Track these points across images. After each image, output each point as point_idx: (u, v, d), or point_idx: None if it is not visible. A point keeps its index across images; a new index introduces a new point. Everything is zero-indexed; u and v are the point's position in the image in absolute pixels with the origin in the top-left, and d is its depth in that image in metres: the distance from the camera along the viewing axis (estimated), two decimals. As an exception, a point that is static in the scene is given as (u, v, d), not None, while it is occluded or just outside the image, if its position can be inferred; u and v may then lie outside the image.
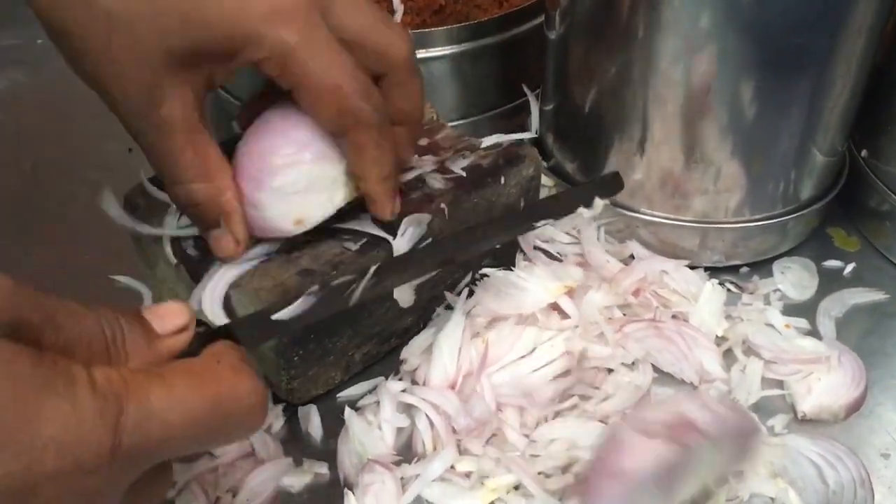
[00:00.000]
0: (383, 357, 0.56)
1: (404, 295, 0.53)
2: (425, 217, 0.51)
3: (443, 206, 0.52)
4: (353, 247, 0.50)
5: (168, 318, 0.34)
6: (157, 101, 0.43)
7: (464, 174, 0.55)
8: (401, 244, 0.50)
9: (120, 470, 0.30)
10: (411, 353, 0.55)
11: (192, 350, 0.35)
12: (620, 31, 0.55)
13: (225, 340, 0.36)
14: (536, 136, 0.70)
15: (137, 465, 0.31)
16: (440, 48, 0.69)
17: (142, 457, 0.30)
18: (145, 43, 0.42)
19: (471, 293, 0.56)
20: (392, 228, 0.50)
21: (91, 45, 0.42)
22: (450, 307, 0.56)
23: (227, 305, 0.47)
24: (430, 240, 0.52)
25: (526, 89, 0.71)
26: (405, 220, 0.51)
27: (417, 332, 0.56)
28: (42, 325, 0.30)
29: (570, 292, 0.56)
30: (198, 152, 0.45)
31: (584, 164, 0.63)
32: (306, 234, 0.49)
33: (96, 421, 0.28)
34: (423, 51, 0.68)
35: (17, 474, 0.27)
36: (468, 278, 0.58)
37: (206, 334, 0.36)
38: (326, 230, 0.50)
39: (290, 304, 0.42)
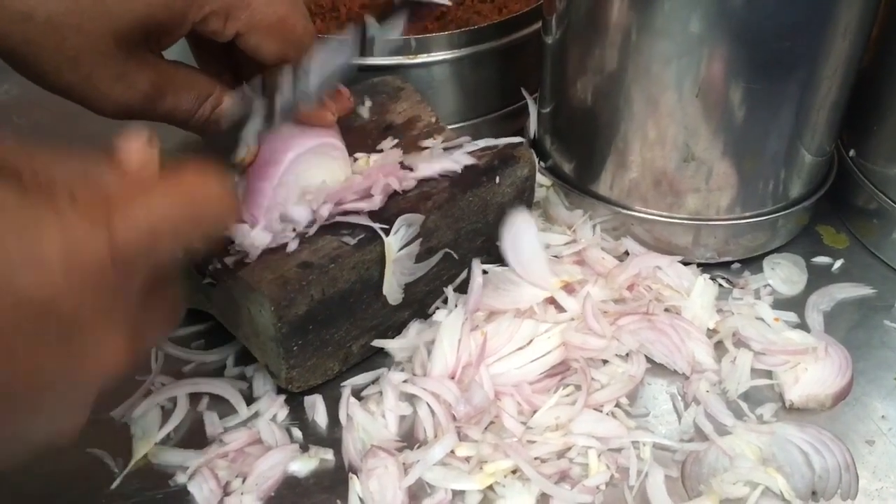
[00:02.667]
0: (380, 350, 0.58)
1: (393, 293, 0.55)
2: (418, 218, 0.54)
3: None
4: (351, 241, 0.52)
5: (134, 152, 0.36)
6: (127, 81, 0.46)
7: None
8: (393, 241, 0.53)
9: (123, 273, 0.32)
10: (400, 345, 0.57)
11: None
12: (613, 35, 0.57)
13: None
14: (534, 138, 0.72)
15: (137, 266, 0.33)
16: (441, 53, 0.71)
17: (139, 257, 0.33)
18: (95, 35, 0.44)
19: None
20: (388, 225, 0.53)
21: (45, 55, 0.44)
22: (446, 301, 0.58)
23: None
24: (420, 239, 0.54)
25: (525, 93, 0.73)
26: (400, 219, 0.53)
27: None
28: (20, 168, 0.32)
29: (567, 287, 0.58)
30: (182, 86, 0.49)
31: (581, 164, 0.65)
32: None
33: (88, 233, 0.31)
34: (425, 55, 0.70)
35: (31, 292, 0.29)
36: (464, 274, 0.59)
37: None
38: (325, 226, 0.52)
39: None
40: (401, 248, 0.54)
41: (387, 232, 0.53)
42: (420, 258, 0.55)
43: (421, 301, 0.58)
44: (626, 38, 0.57)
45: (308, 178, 0.54)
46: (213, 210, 0.37)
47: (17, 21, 0.43)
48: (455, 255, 0.58)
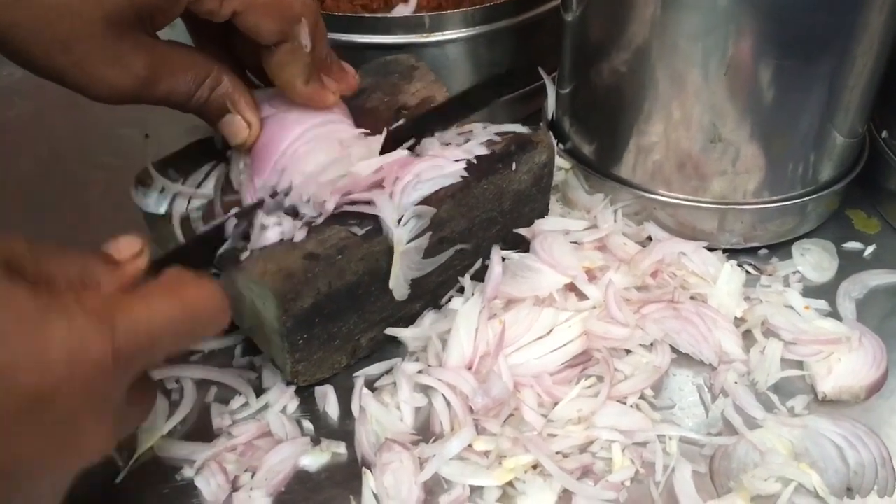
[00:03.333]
0: (391, 341, 0.56)
1: (399, 287, 0.52)
2: (429, 210, 0.51)
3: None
4: (359, 231, 0.50)
5: (124, 247, 0.40)
6: (121, 64, 0.45)
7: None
8: (402, 233, 0.50)
9: (120, 373, 0.34)
10: (414, 334, 0.55)
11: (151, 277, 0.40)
12: (638, 10, 0.55)
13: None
14: (552, 119, 0.69)
15: (133, 366, 0.35)
16: (456, 31, 0.68)
17: (136, 358, 0.35)
18: (85, 16, 0.43)
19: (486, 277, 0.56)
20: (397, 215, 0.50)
21: (35, 39, 0.43)
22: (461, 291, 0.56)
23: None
24: (430, 233, 0.52)
25: (542, 72, 0.70)
26: (410, 210, 0.51)
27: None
28: (25, 264, 0.34)
29: (589, 273, 0.56)
30: (179, 67, 0.48)
31: (602, 146, 0.63)
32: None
33: (93, 335, 0.33)
34: (439, 34, 0.68)
35: (38, 386, 0.31)
36: (479, 264, 0.57)
37: (159, 261, 0.42)
38: (333, 216, 0.50)
39: None
40: (410, 241, 0.51)
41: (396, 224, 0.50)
42: (432, 249, 0.53)
43: (433, 292, 0.56)
44: (651, 14, 0.54)
45: (311, 160, 0.52)
46: (208, 316, 0.39)
47: (5, 5, 0.42)
48: (468, 249, 0.56)
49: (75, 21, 0.43)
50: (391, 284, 0.52)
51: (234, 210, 0.50)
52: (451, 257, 0.55)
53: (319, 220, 0.50)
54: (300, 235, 0.49)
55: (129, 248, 0.40)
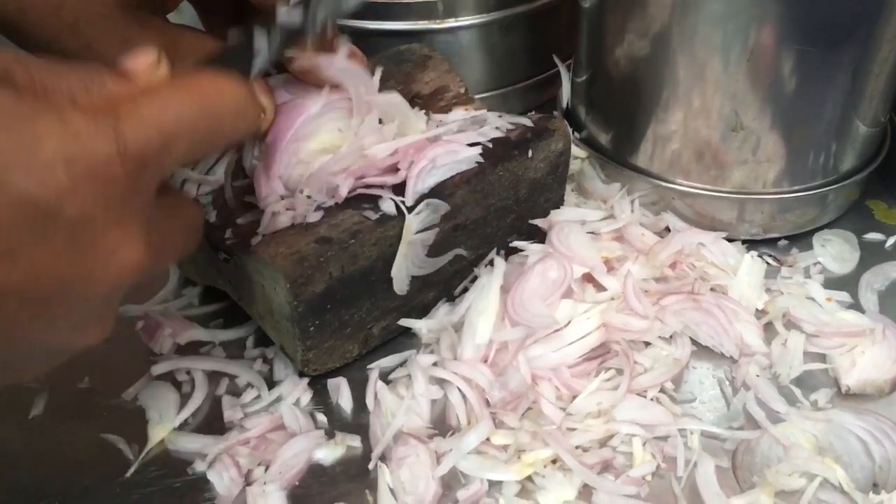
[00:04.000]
0: (402, 332, 0.55)
1: (400, 280, 0.51)
2: (443, 205, 0.50)
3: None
4: (373, 216, 0.49)
5: (140, 57, 0.35)
6: (132, 47, 0.42)
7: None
8: (414, 221, 0.49)
9: (135, 176, 0.31)
10: (428, 326, 0.54)
11: None
12: (659, -6, 0.54)
13: None
14: (567, 107, 0.68)
15: (149, 169, 0.32)
16: (469, 17, 0.67)
17: (150, 160, 0.31)
18: (95, 1, 0.42)
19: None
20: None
21: (43, 23, 0.42)
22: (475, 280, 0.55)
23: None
24: (437, 228, 0.51)
25: (557, 60, 0.69)
26: (424, 202, 0.49)
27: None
28: (14, 74, 0.31)
29: (607, 264, 0.55)
30: (190, 50, 0.45)
31: (619, 134, 0.62)
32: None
33: (93, 131, 0.29)
34: (452, 20, 0.67)
35: (34, 192, 0.28)
36: (492, 254, 0.56)
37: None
38: (346, 200, 0.49)
39: None
40: (419, 231, 0.50)
41: (409, 209, 0.49)
42: (446, 237, 0.52)
43: (447, 282, 0.55)
44: (671, -1, 0.53)
45: (322, 139, 0.50)
46: (233, 111, 0.35)
47: None
48: (465, 255, 0.55)
49: (83, 4, 0.42)
50: (393, 272, 0.51)
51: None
52: (465, 246, 0.54)
53: (331, 204, 0.49)
54: (313, 217, 0.48)
55: (143, 58, 0.35)
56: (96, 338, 0.34)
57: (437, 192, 0.50)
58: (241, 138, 0.37)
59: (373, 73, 0.51)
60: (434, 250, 0.52)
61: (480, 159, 0.52)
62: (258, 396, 0.51)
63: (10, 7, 0.41)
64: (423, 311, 0.55)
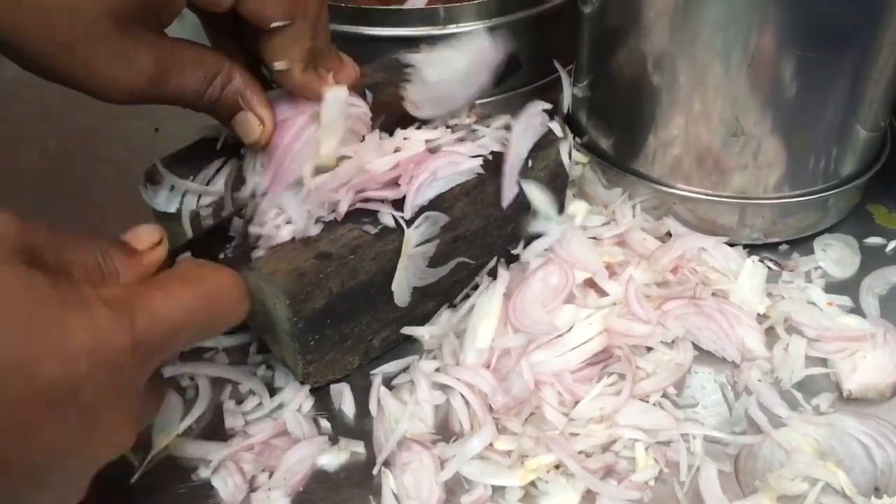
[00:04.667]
0: (403, 341, 0.55)
1: (401, 292, 0.51)
2: (443, 217, 0.50)
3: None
4: (372, 230, 0.49)
5: (143, 236, 0.40)
6: (128, 63, 0.44)
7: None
8: (413, 235, 0.49)
9: (140, 366, 0.35)
10: (431, 332, 0.54)
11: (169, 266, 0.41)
12: (660, 1, 0.54)
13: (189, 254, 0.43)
14: (568, 113, 0.68)
15: (153, 359, 0.36)
16: (470, 23, 0.68)
17: (156, 351, 0.35)
18: (86, 16, 0.42)
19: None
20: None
21: (38, 41, 0.42)
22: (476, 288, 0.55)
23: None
24: (438, 240, 0.51)
25: (558, 65, 0.69)
26: (423, 215, 0.50)
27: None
28: (43, 252, 0.34)
29: (608, 269, 0.55)
30: (188, 64, 0.47)
31: (620, 140, 0.62)
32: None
33: (114, 328, 0.33)
34: (454, 26, 0.67)
35: (60, 379, 0.31)
36: (493, 262, 0.56)
37: (175, 251, 0.43)
38: (346, 214, 0.49)
39: None
40: (418, 244, 0.50)
41: (408, 223, 0.49)
42: (445, 248, 0.52)
43: (447, 292, 0.55)
44: (672, 4, 0.53)
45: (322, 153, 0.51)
46: (227, 305, 0.39)
47: (6, 6, 0.40)
48: (470, 263, 0.55)
49: (77, 21, 0.41)
50: (394, 286, 0.51)
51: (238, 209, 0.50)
52: (466, 255, 0.54)
53: (330, 219, 0.49)
54: (313, 231, 0.48)
55: (147, 238, 0.40)
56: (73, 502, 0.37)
57: (436, 204, 0.51)
58: (229, 326, 0.41)
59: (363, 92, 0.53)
60: (434, 261, 0.52)
61: (481, 170, 0.52)
62: (260, 404, 0.51)
63: (6, 26, 0.41)
64: (423, 321, 0.55)
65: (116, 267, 0.38)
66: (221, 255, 0.48)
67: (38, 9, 0.41)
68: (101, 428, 0.34)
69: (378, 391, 0.51)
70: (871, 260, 0.61)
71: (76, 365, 0.32)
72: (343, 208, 0.49)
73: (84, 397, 0.32)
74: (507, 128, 0.55)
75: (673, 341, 0.53)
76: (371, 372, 0.53)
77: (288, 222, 0.49)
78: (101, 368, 0.32)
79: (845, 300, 0.57)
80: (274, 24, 0.47)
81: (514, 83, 0.72)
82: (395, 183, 0.50)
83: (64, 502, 0.36)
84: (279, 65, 0.48)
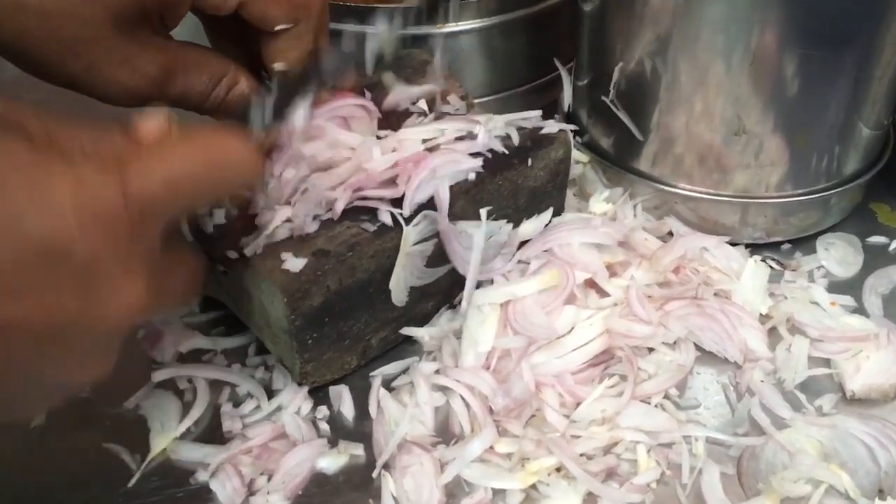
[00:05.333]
0: (402, 342, 0.54)
1: (399, 291, 0.51)
2: (443, 217, 0.50)
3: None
4: (371, 228, 0.48)
5: (150, 123, 0.36)
6: (132, 66, 0.44)
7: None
8: (411, 233, 0.49)
9: (139, 222, 0.33)
10: (430, 333, 0.53)
11: None
12: (661, -2, 0.53)
13: None
14: (568, 111, 0.68)
15: (153, 214, 0.34)
16: (469, 22, 0.67)
17: (156, 205, 0.33)
18: (90, 20, 0.42)
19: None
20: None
21: (42, 46, 0.42)
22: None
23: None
24: (437, 239, 0.51)
25: (558, 63, 0.69)
26: (422, 213, 0.49)
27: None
28: (29, 126, 0.32)
29: (609, 269, 0.55)
30: (193, 67, 0.47)
31: (621, 138, 0.62)
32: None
33: (101, 180, 0.31)
34: (453, 24, 0.66)
35: (46, 235, 0.30)
36: (493, 262, 0.56)
37: None
38: (343, 211, 0.49)
39: None
40: (416, 243, 0.50)
41: (407, 221, 0.49)
42: (438, 253, 0.52)
43: (446, 291, 0.55)
44: (673, 2, 0.53)
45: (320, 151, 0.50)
46: (235, 164, 0.37)
47: (9, 13, 0.40)
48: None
49: (80, 25, 0.42)
50: (391, 285, 0.50)
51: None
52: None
53: (328, 217, 0.49)
54: (312, 228, 0.48)
55: (154, 121, 0.36)
56: (98, 373, 0.36)
57: (434, 202, 0.50)
58: (243, 188, 0.39)
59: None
60: (433, 261, 0.52)
61: (480, 169, 0.52)
62: (258, 407, 0.51)
63: (8, 30, 0.41)
64: (422, 321, 0.55)
65: (117, 148, 0.35)
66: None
67: (41, 14, 0.41)
68: (104, 286, 0.32)
69: (378, 393, 0.50)
70: (874, 259, 0.60)
71: (62, 219, 0.30)
72: (339, 207, 0.48)
73: (77, 254, 0.31)
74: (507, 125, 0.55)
75: (675, 342, 0.53)
76: (370, 373, 0.52)
77: (286, 220, 0.48)
78: (91, 222, 0.31)
79: (848, 300, 0.57)
80: (278, 27, 0.47)
81: (514, 82, 0.72)
82: (393, 182, 0.50)
83: (89, 371, 0.35)
84: (279, 66, 0.48)
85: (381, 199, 0.49)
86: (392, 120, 0.55)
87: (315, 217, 0.49)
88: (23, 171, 0.30)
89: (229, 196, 0.41)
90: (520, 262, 0.55)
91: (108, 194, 0.31)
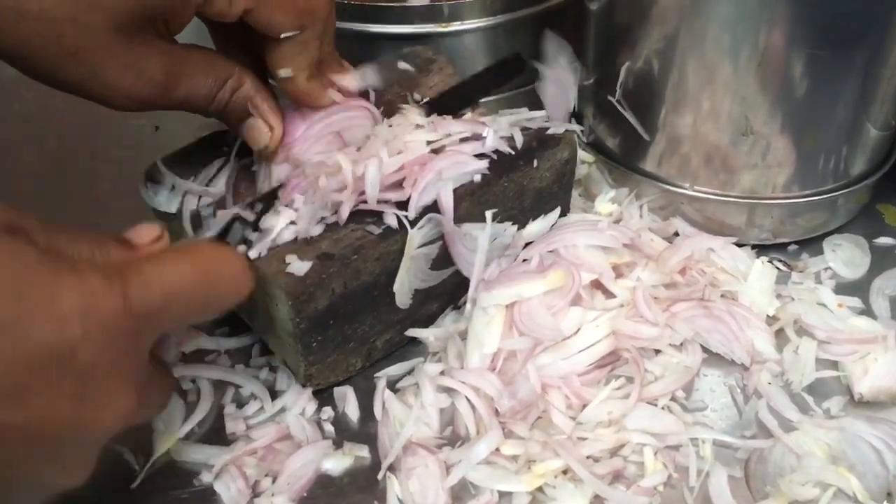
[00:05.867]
0: (406, 343, 0.54)
1: (403, 294, 0.51)
2: (447, 220, 0.50)
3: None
4: (376, 230, 0.48)
5: (143, 231, 0.39)
6: (136, 71, 0.43)
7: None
8: (416, 236, 0.49)
9: (137, 331, 0.34)
10: (436, 334, 0.53)
11: None
12: (668, -2, 0.53)
13: None
14: (573, 111, 0.67)
15: (150, 325, 0.35)
16: (474, 21, 0.67)
17: (152, 318, 0.34)
18: (92, 26, 0.41)
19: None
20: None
21: (45, 53, 0.41)
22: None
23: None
24: (441, 242, 0.50)
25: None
26: (427, 216, 0.49)
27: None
28: (34, 235, 0.34)
29: (616, 269, 0.54)
30: (198, 70, 0.46)
31: (627, 139, 0.61)
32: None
33: (106, 291, 0.32)
34: (458, 23, 0.66)
35: (53, 341, 0.31)
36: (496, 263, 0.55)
37: None
38: (350, 214, 0.48)
39: None
40: (421, 245, 0.50)
41: (412, 223, 0.49)
42: (443, 255, 0.51)
43: (451, 293, 0.54)
44: (681, 1, 0.52)
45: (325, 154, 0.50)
46: (227, 281, 0.38)
47: (11, 19, 0.40)
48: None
49: (83, 32, 0.41)
50: (395, 287, 0.50)
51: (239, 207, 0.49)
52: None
53: (333, 220, 0.48)
54: (316, 231, 0.48)
55: (147, 233, 0.39)
56: (78, 479, 0.36)
57: (438, 216, 0.50)
58: (234, 303, 0.39)
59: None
60: (437, 263, 0.51)
61: (486, 171, 0.51)
62: (261, 408, 0.50)
63: (12, 38, 0.41)
64: (426, 323, 0.54)
65: (112, 257, 0.37)
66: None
67: (45, 21, 0.40)
68: (101, 394, 0.33)
69: (382, 394, 0.50)
70: (882, 260, 0.60)
71: (69, 326, 0.31)
72: (346, 211, 0.48)
73: (80, 360, 0.31)
74: (512, 125, 0.55)
75: (681, 344, 0.52)
76: (375, 375, 0.52)
77: (291, 222, 0.48)
78: (95, 330, 0.31)
79: (855, 301, 0.56)
80: (284, 35, 0.46)
81: (518, 81, 0.71)
82: (399, 185, 0.50)
83: (70, 476, 0.35)
84: (284, 72, 0.48)
85: (387, 202, 0.49)
86: (390, 109, 0.55)
87: (321, 220, 0.48)
88: (32, 274, 0.31)
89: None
90: (524, 260, 0.55)
91: (112, 303, 0.32)
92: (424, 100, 0.56)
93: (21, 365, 0.30)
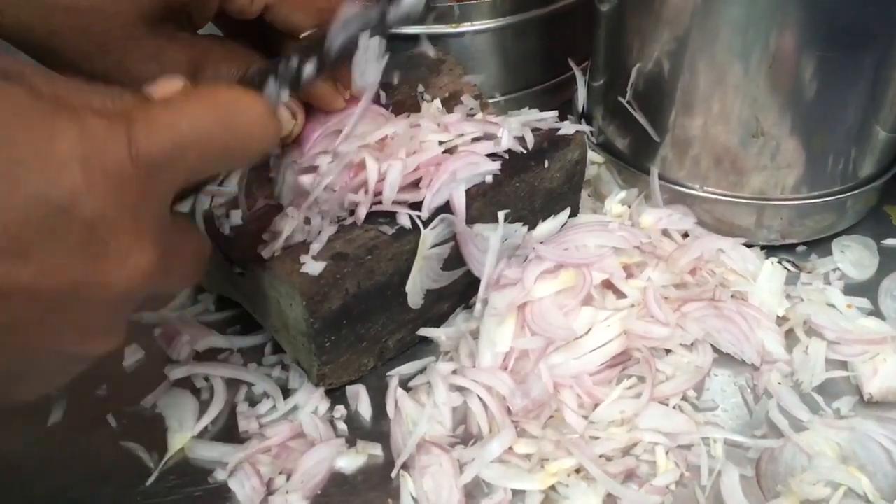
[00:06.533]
0: (417, 343, 0.54)
1: (415, 294, 0.51)
2: (460, 220, 0.50)
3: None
4: (389, 230, 0.48)
5: (165, 85, 0.35)
6: (161, 62, 0.44)
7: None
8: (429, 236, 0.49)
9: (147, 180, 0.31)
10: (447, 333, 0.53)
11: None
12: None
13: None
14: (582, 112, 0.68)
15: (161, 176, 0.31)
16: (483, 22, 0.67)
17: (165, 166, 0.31)
18: (119, 17, 0.42)
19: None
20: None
21: (73, 44, 0.42)
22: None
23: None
24: (454, 242, 0.51)
25: (572, 64, 0.68)
26: (439, 217, 0.49)
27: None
28: (34, 80, 0.30)
29: (626, 269, 0.55)
30: (222, 60, 0.46)
31: (637, 139, 0.61)
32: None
33: (108, 134, 0.29)
34: (467, 24, 0.66)
35: (48, 190, 0.28)
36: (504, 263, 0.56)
37: None
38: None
39: None
40: (434, 246, 0.50)
41: (425, 223, 0.49)
42: (454, 255, 0.52)
43: (462, 293, 0.55)
44: (692, 3, 0.53)
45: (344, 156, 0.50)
46: (250, 126, 0.34)
47: (40, 14, 0.41)
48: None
49: (110, 23, 0.42)
50: (408, 288, 0.50)
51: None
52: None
53: (349, 221, 0.49)
54: (330, 232, 0.48)
55: (170, 87, 0.35)
56: (105, 347, 0.33)
57: (451, 216, 0.50)
58: (259, 154, 0.36)
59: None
60: (449, 263, 0.52)
61: (498, 171, 0.52)
62: (274, 407, 0.51)
63: (39, 30, 0.41)
64: (438, 322, 0.55)
65: (122, 106, 0.33)
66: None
67: (73, 13, 0.41)
68: (111, 248, 0.30)
69: (395, 393, 0.50)
70: (890, 262, 0.60)
71: (67, 173, 0.28)
72: (362, 212, 0.48)
73: (82, 211, 0.29)
74: (523, 126, 0.55)
75: (692, 344, 0.53)
76: (387, 373, 0.52)
77: (305, 223, 0.48)
78: (97, 178, 0.29)
79: (864, 302, 0.57)
80: (303, 35, 0.47)
81: (528, 82, 0.71)
82: (415, 185, 0.50)
83: (95, 342, 0.33)
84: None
85: (402, 203, 0.49)
86: (399, 110, 0.55)
87: (337, 219, 0.48)
88: (24, 117, 0.28)
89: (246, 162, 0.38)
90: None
91: (115, 149, 0.29)
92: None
93: (18, 217, 0.27)
